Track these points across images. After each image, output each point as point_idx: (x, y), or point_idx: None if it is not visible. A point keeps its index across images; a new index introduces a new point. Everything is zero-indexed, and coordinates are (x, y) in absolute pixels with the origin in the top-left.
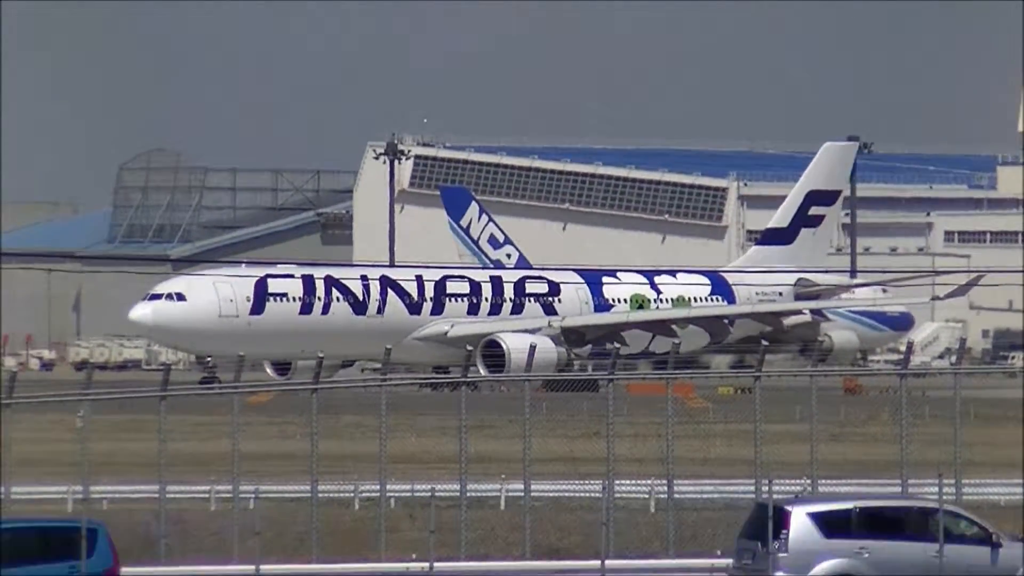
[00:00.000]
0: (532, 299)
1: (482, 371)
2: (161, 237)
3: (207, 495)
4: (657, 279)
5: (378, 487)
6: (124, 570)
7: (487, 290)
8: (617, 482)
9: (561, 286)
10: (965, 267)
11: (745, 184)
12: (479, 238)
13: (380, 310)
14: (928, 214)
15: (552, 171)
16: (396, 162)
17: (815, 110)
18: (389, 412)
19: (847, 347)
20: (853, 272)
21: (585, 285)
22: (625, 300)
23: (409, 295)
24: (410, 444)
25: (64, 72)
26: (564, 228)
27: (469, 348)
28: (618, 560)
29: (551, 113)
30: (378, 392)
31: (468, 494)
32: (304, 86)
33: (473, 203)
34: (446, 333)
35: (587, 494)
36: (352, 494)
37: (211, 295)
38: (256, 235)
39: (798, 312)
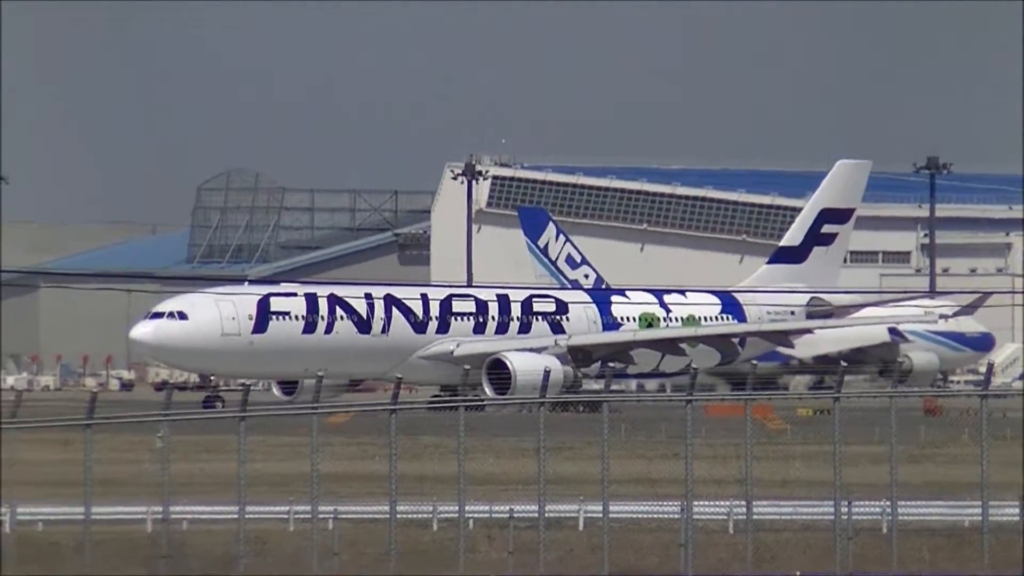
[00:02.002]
0: (539, 318)
1: (488, 391)
2: (239, 257)
3: (286, 516)
4: (667, 298)
5: (456, 508)
6: None
7: (493, 309)
8: (696, 503)
9: (569, 305)
10: (969, 288)
11: None
12: (556, 258)
13: (385, 329)
14: (1007, 234)
15: (630, 191)
16: (474, 182)
17: (891, 130)
18: (468, 433)
19: (927, 368)
20: (932, 293)
21: (593, 304)
22: (634, 319)
23: (414, 313)
24: (489, 465)
25: (143, 92)
26: (642, 249)
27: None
28: None
29: (628, 133)
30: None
31: (546, 515)
32: (382, 106)
33: (551, 223)
34: (452, 352)
35: (665, 515)
36: (431, 515)
37: (213, 314)
38: (334, 255)
39: (806, 331)
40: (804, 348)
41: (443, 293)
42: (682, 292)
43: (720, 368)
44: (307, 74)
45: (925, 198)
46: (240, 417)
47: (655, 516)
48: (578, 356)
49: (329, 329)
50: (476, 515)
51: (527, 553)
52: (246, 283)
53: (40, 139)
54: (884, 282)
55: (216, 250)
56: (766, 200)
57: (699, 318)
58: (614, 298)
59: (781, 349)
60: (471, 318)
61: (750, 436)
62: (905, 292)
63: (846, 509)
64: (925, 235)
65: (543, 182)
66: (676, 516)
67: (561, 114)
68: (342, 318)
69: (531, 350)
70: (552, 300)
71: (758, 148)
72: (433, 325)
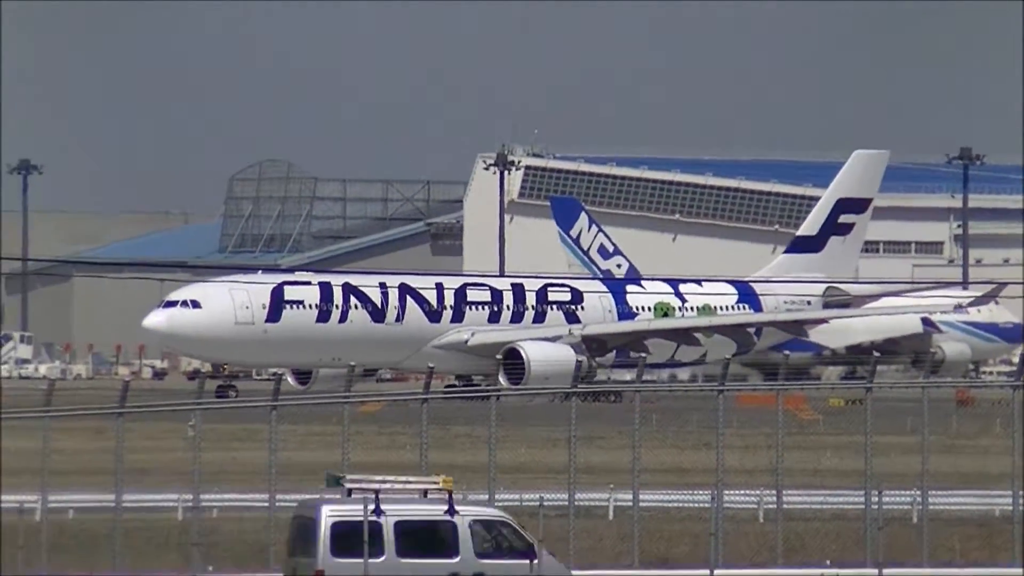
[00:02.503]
0: (554, 307)
1: (502, 380)
2: (272, 247)
3: None
4: (682, 287)
5: (487, 497)
6: None
7: (508, 298)
8: (726, 493)
9: (584, 294)
10: (1000, 278)
11: None
12: (589, 249)
13: (399, 318)
14: None
15: (662, 182)
16: (506, 172)
17: (924, 121)
18: (499, 423)
19: (959, 359)
20: (965, 284)
21: (609, 293)
22: (650, 308)
23: (428, 303)
24: (520, 454)
25: (178, 83)
26: (674, 239)
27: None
28: (727, 570)
29: (662, 124)
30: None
31: (577, 504)
32: (414, 96)
33: (583, 213)
34: (466, 341)
35: (696, 504)
36: None
37: (226, 302)
38: (366, 245)
39: (821, 321)
40: (836, 338)
41: (458, 282)
42: (698, 281)
43: (753, 358)
44: (339, 64)
45: (958, 188)
46: (272, 406)
47: (685, 505)
48: (592, 346)
49: (343, 318)
50: (506, 504)
51: (557, 542)
52: (259, 272)
53: (76, 129)
54: (917, 272)
55: (249, 240)
56: (799, 191)
57: (715, 307)
58: (629, 287)
59: (814, 339)
60: (486, 307)
61: (782, 426)
62: (919, 283)
63: (877, 499)
64: (958, 225)
65: (575, 172)
66: (706, 505)
67: (593, 104)
68: (356, 307)
69: (545, 339)
70: (567, 289)
71: (791, 139)
72: (448, 314)
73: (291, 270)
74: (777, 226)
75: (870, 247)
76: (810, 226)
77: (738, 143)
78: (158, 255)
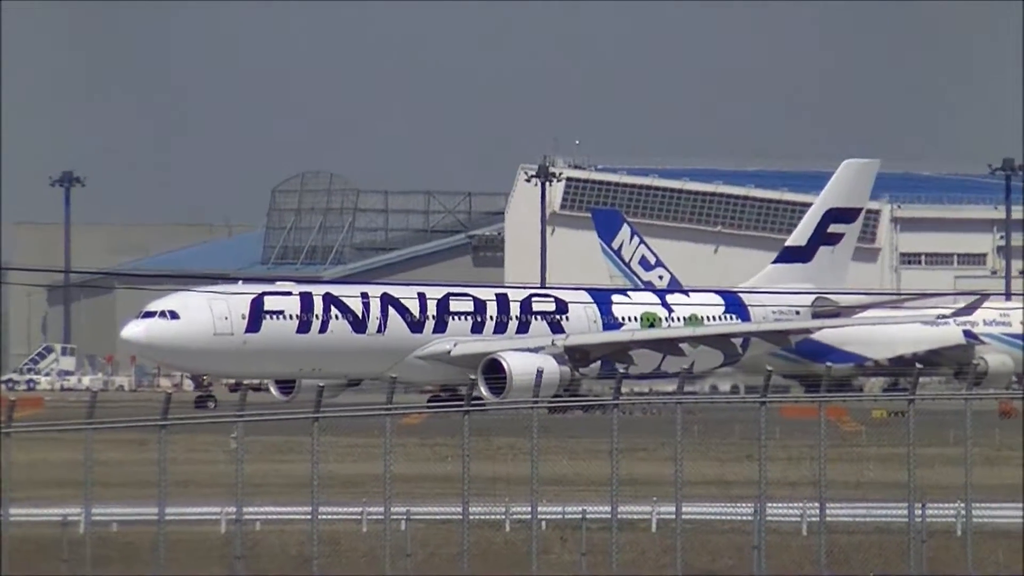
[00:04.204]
0: (538, 317)
1: (484, 391)
2: (314, 259)
3: (359, 516)
4: (669, 298)
5: (529, 509)
6: None
7: (492, 308)
8: (769, 505)
9: (569, 304)
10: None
11: (899, 206)
12: (630, 260)
13: (381, 328)
14: None
15: (704, 193)
16: (548, 184)
17: (971, 132)
18: (541, 434)
19: (1002, 370)
20: (1008, 295)
21: (594, 303)
22: (635, 319)
23: (410, 313)
24: (562, 466)
25: (220, 93)
26: (716, 251)
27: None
28: None
29: (704, 135)
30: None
31: (619, 516)
32: (456, 108)
33: (625, 225)
34: (449, 352)
35: (739, 517)
36: (503, 516)
37: (205, 313)
38: (408, 257)
39: (807, 331)
40: (879, 349)
41: (440, 292)
42: (685, 292)
43: (795, 369)
44: (381, 75)
45: (1001, 200)
46: (313, 418)
47: (728, 518)
48: (576, 356)
49: (324, 328)
50: (549, 516)
51: (600, 554)
52: (239, 282)
53: (119, 141)
54: (959, 284)
55: (291, 252)
56: None
57: (702, 318)
58: (615, 297)
59: (855, 350)
60: (468, 317)
61: (824, 438)
62: (909, 294)
63: (920, 511)
64: (1001, 237)
65: (617, 184)
66: (749, 518)
67: (635, 116)
68: (337, 317)
69: (528, 350)
70: (552, 299)
71: (833, 149)
72: (430, 324)
73: (333, 282)
74: None
75: (912, 259)
76: (799, 236)
77: (781, 155)
78: (201, 267)
